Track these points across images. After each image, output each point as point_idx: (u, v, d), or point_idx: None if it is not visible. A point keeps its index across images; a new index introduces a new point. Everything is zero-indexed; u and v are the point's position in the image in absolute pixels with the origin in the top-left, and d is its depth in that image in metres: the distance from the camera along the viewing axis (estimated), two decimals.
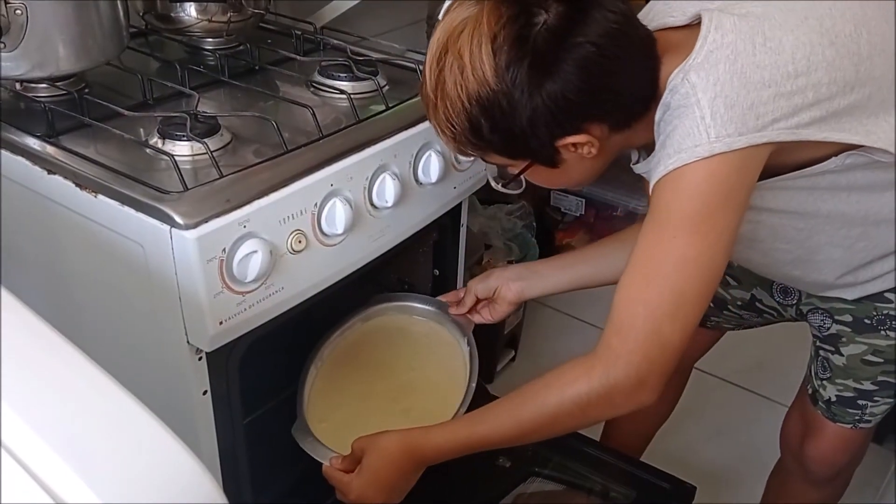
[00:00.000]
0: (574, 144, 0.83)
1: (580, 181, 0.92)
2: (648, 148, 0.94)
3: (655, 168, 0.81)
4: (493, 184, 0.96)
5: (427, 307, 1.20)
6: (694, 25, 0.82)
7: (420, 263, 1.28)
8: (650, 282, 0.81)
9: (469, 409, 1.02)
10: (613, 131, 0.84)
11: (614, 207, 2.21)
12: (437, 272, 1.28)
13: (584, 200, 2.23)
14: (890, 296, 1.01)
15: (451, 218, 1.20)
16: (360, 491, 0.92)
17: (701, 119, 0.77)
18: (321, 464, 1.05)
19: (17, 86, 1.02)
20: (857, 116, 0.82)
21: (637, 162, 0.96)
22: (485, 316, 1.17)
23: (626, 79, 0.82)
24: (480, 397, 1.03)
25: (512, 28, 0.77)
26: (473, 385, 1.06)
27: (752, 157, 0.79)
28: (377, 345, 1.19)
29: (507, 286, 1.13)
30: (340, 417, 1.08)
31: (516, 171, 0.89)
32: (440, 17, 0.85)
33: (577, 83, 0.78)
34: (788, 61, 0.78)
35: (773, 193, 0.88)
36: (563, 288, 1.15)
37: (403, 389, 1.14)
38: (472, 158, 1.10)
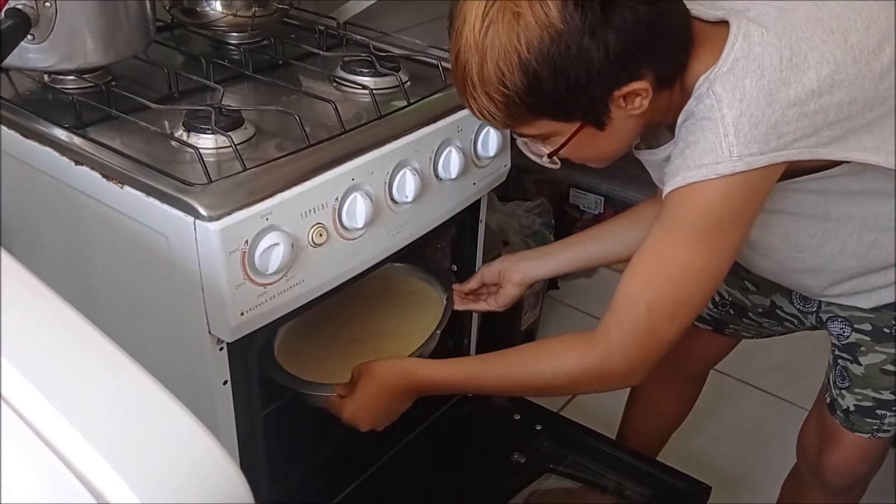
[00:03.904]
0: (628, 96, 0.80)
1: (616, 150, 0.89)
2: (646, 135, 0.94)
3: (673, 176, 0.82)
4: (534, 158, 0.90)
5: (421, 269, 1.24)
6: (721, 23, 0.82)
7: (438, 259, 1.29)
8: (654, 283, 0.85)
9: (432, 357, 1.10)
10: (658, 87, 0.81)
11: (633, 205, 2.21)
12: (454, 268, 1.28)
13: (602, 199, 2.23)
14: None
15: (469, 214, 1.20)
16: (352, 411, 0.98)
17: (724, 136, 0.77)
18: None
19: (46, 78, 1.03)
20: (877, 133, 0.82)
21: (637, 146, 0.96)
22: (490, 303, 1.17)
23: (678, 17, 0.81)
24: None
25: None
26: (438, 332, 1.14)
27: (770, 174, 0.80)
28: (363, 296, 1.22)
29: (513, 268, 1.14)
30: (308, 352, 1.11)
31: (563, 140, 0.84)
32: None
33: (644, 15, 0.76)
34: (813, 79, 0.78)
35: (783, 195, 0.88)
36: (570, 266, 1.17)
37: (375, 333, 1.17)
38: (493, 155, 1.11)
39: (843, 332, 1.07)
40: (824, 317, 1.09)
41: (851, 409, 1.10)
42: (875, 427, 1.09)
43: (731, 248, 0.84)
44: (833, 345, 1.11)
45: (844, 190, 0.89)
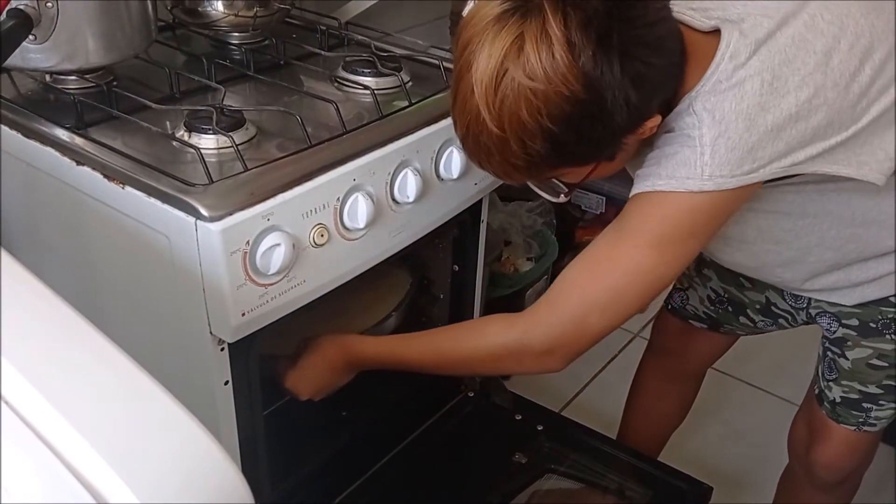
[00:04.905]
0: (642, 130, 0.80)
1: (621, 167, 0.90)
2: None
3: (643, 179, 0.83)
4: (548, 197, 0.91)
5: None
6: (713, 32, 0.82)
7: (440, 259, 1.29)
8: (596, 274, 0.86)
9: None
10: (660, 110, 0.82)
11: None
12: (456, 268, 1.28)
13: (604, 199, 2.23)
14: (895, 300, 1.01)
15: (471, 214, 1.20)
16: (294, 380, 1.04)
17: (700, 155, 0.78)
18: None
19: (47, 78, 1.03)
20: (851, 147, 0.83)
21: None
22: None
23: (677, 48, 0.80)
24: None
25: (590, 27, 0.71)
26: (394, 313, 1.19)
27: (740, 194, 0.82)
28: None
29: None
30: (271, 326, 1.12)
31: (578, 178, 0.85)
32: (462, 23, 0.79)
33: (657, 64, 0.76)
34: (792, 104, 0.78)
35: (758, 194, 0.88)
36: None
37: (338, 311, 1.18)
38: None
39: (831, 326, 1.08)
40: (813, 312, 1.11)
41: (838, 400, 1.11)
42: (861, 420, 1.10)
43: (682, 260, 0.86)
44: (823, 337, 1.12)
45: (820, 188, 0.89)
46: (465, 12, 1.21)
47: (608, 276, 0.85)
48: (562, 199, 0.90)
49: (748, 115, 0.77)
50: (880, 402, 1.08)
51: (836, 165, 0.83)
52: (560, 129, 0.74)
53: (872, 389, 1.07)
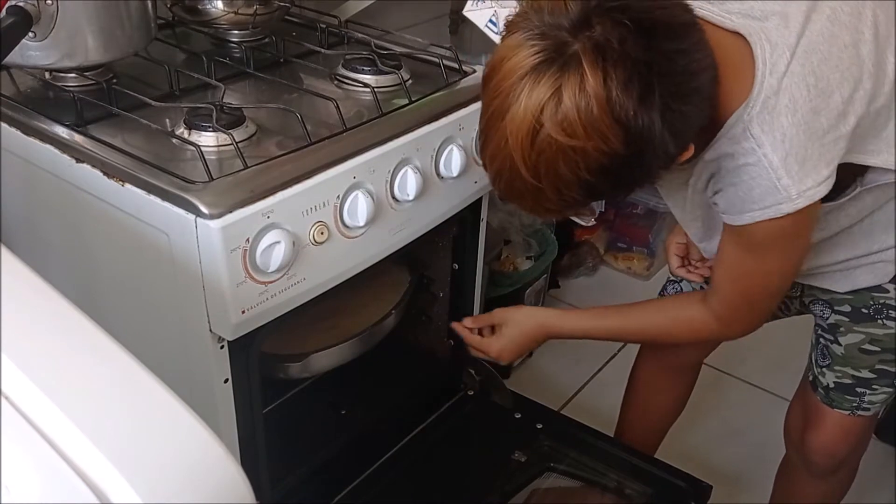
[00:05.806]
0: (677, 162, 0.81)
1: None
2: None
3: (739, 214, 0.85)
4: (581, 221, 0.95)
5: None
6: (736, 34, 0.82)
7: (439, 257, 1.29)
8: (747, 287, 0.97)
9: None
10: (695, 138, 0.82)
11: (634, 205, 2.20)
12: (456, 266, 1.28)
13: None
14: (887, 286, 1.03)
15: (471, 212, 1.20)
16: (499, 351, 1.17)
17: (777, 180, 0.80)
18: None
19: (47, 75, 1.03)
20: (883, 136, 0.86)
21: None
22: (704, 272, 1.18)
23: (712, 80, 0.79)
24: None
25: (631, 86, 0.69)
26: (393, 312, 1.22)
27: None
28: None
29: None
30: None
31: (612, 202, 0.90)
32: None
33: (696, 112, 0.76)
34: (838, 102, 0.80)
35: None
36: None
37: (337, 309, 1.19)
38: None
39: (824, 313, 1.10)
40: (807, 300, 1.13)
41: (831, 386, 1.12)
42: (854, 404, 1.11)
43: (803, 248, 0.91)
44: (816, 324, 1.14)
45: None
46: (465, 11, 1.22)
47: (757, 286, 0.96)
48: (592, 222, 0.92)
49: (806, 123, 0.79)
50: (873, 386, 1.10)
51: (865, 155, 0.86)
52: (597, 179, 0.74)
53: (865, 374, 1.09)
